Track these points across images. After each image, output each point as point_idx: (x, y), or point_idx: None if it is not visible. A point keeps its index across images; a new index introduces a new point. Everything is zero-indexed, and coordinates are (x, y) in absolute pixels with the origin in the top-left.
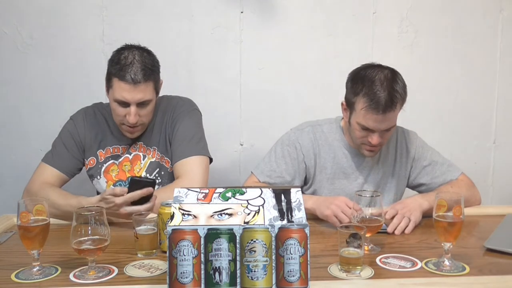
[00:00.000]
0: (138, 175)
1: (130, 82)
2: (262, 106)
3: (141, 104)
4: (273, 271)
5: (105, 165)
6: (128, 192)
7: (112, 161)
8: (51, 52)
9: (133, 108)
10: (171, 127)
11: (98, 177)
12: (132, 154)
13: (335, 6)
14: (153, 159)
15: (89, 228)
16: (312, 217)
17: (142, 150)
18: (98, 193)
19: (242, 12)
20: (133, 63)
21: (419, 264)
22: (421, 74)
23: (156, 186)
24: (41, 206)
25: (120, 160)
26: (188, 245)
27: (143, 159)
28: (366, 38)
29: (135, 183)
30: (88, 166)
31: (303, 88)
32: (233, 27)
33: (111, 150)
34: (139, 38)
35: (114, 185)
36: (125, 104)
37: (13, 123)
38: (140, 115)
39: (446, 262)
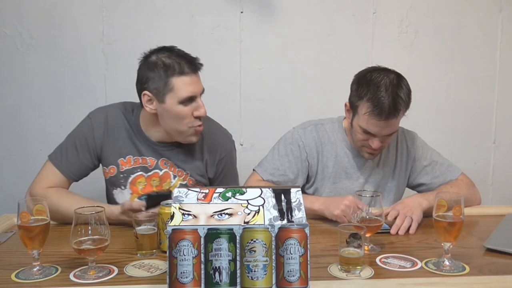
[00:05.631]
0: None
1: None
2: (262, 106)
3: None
4: (273, 271)
5: (132, 176)
6: (147, 208)
7: (140, 172)
8: (51, 52)
9: (199, 101)
10: (216, 167)
11: (123, 187)
12: (162, 171)
13: (335, 6)
14: (184, 182)
15: (89, 228)
16: (313, 217)
17: (172, 169)
18: (108, 197)
19: (242, 12)
20: None
21: (419, 264)
22: (421, 74)
23: None
24: (41, 206)
25: (150, 173)
26: (188, 245)
27: (173, 179)
28: (366, 38)
29: (152, 198)
30: (109, 175)
31: (303, 88)
32: (233, 27)
33: (140, 160)
34: (139, 38)
35: (139, 199)
36: (191, 99)
37: (13, 123)
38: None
39: (446, 262)
